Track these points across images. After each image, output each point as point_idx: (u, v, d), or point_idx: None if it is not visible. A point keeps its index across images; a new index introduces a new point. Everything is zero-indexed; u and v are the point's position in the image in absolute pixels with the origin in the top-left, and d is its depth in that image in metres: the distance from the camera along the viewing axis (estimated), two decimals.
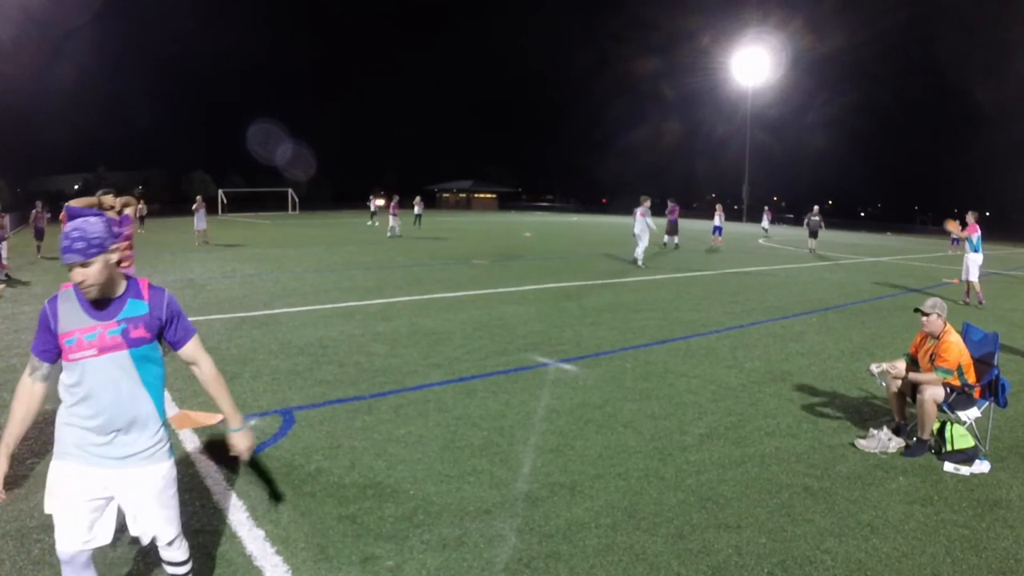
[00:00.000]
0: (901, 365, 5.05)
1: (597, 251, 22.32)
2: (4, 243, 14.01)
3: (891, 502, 3.95)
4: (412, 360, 6.93)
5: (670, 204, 24.27)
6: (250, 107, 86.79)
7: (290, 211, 56.37)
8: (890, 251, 27.04)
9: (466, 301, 10.86)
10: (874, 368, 5.06)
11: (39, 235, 17.60)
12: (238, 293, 11.30)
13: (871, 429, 4.88)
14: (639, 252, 16.75)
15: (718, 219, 26.58)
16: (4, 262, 13.71)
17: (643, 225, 16.68)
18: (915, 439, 4.78)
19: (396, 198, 27.51)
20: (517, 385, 6.11)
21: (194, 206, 22.54)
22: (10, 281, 12.69)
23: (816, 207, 25.03)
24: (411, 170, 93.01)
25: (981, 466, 4.43)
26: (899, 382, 4.97)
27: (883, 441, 4.71)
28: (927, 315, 4.87)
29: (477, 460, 4.40)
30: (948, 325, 4.89)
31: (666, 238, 23.65)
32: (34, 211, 17.68)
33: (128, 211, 6.11)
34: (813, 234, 24.57)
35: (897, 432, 4.88)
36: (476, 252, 20.28)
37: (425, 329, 8.49)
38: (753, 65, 60.50)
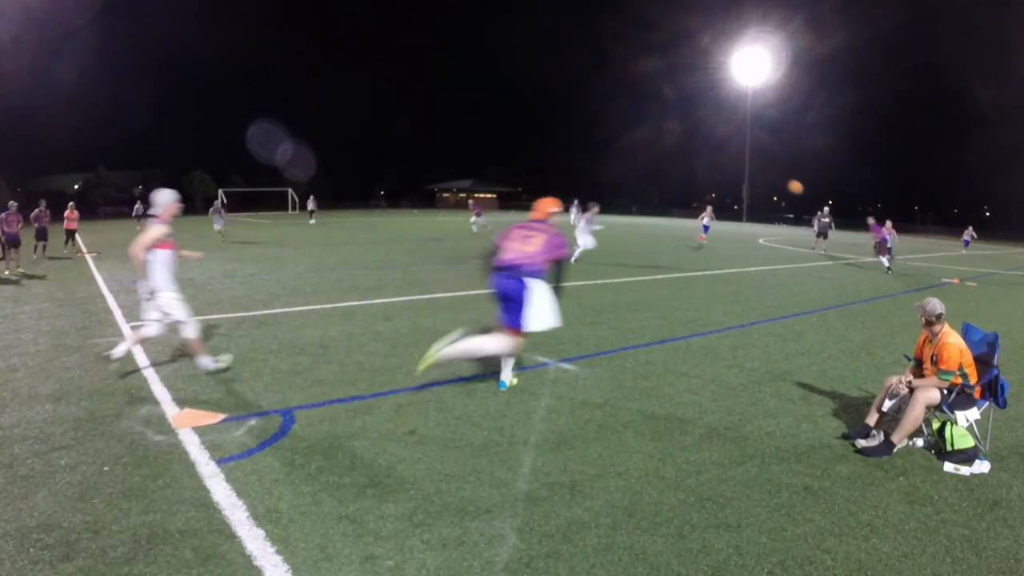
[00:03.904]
0: (911, 374, 5.02)
1: (597, 251, 22.32)
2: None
3: (891, 502, 3.95)
4: (412, 360, 6.92)
5: (873, 221, 21.88)
6: (250, 107, 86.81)
7: (290, 211, 56.40)
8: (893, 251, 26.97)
9: (466, 301, 10.86)
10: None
11: (41, 235, 17.58)
12: (238, 293, 11.30)
13: (872, 430, 4.87)
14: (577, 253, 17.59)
15: (707, 219, 27.74)
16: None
17: (583, 228, 17.85)
18: (884, 438, 4.70)
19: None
20: (517, 385, 6.11)
21: (211, 209, 25.01)
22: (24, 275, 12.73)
23: (826, 208, 25.07)
24: (411, 170, 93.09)
25: (981, 466, 4.43)
26: (903, 387, 4.92)
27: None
28: (921, 316, 4.88)
29: (477, 460, 4.40)
30: (947, 326, 4.88)
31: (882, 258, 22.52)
32: (36, 210, 17.66)
33: None
34: (822, 234, 24.52)
35: (866, 436, 4.84)
36: (476, 252, 20.28)
37: (425, 329, 8.48)
38: (753, 65, 60.53)
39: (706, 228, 27.55)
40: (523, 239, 5.81)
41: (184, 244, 7.00)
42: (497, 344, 5.73)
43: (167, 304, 6.14)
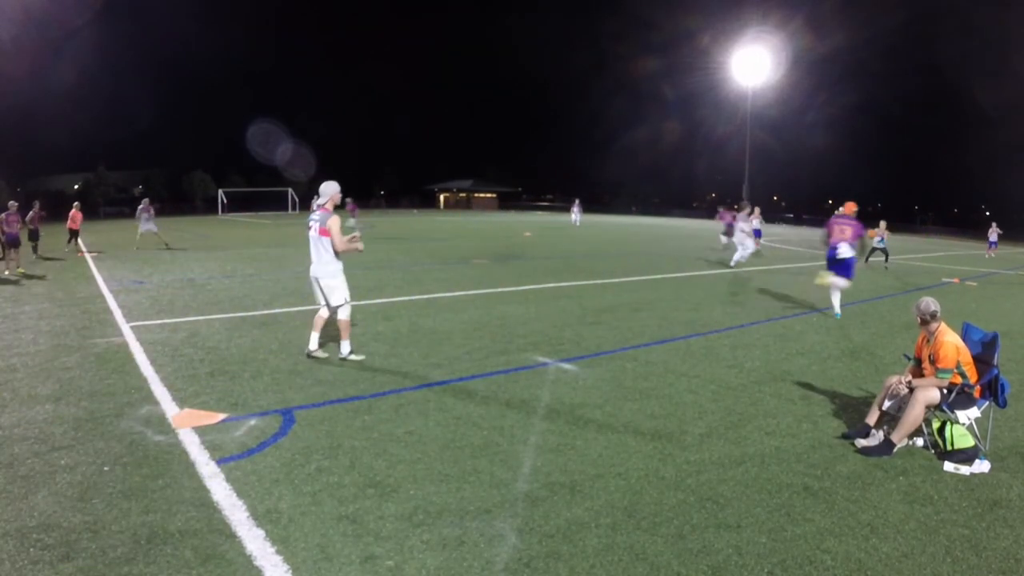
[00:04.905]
0: (910, 374, 5.02)
1: (597, 251, 22.32)
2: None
3: (891, 502, 3.95)
4: (412, 360, 6.93)
5: (722, 210, 24.39)
6: (250, 107, 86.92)
7: (290, 211, 56.39)
8: (890, 251, 26.98)
9: (466, 301, 10.86)
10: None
11: (34, 236, 17.62)
12: (238, 293, 11.30)
13: (872, 429, 4.87)
14: (740, 256, 16.99)
15: (756, 222, 24.34)
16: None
17: (740, 232, 17.06)
18: (884, 438, 4.71)
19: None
20: (517, 385, 6.11)
21: (140, 207, 21.37)
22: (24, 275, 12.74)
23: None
24: (411, 170, 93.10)
25: (981, 466, 4.42)
26: (903, 387, 4.90)
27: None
28: (916, 316, 4.89)
29: (477, 460, 4.40)
30: (943, 324, 4.88)
31: (725, 240, 23.70)
32: (31, 212, 17.68)
33: None
34: None
35: (866, 436, 4.84)
36: (476, 252, 20.28)
37: (425, 329, 8.49)
38: (753, 65, 60.42)
39: (757, 233, 23.86)
40: (840, 230, 9.86)
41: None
42: (843, 284, 9.93)
43: (340, 285, 6.63)
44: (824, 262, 10.27)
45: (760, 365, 7.05)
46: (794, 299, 11.97)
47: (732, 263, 17.00)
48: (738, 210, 17.63)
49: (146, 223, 21.17)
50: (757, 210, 25.77)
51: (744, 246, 16.98)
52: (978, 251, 29.86)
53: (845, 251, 9.72)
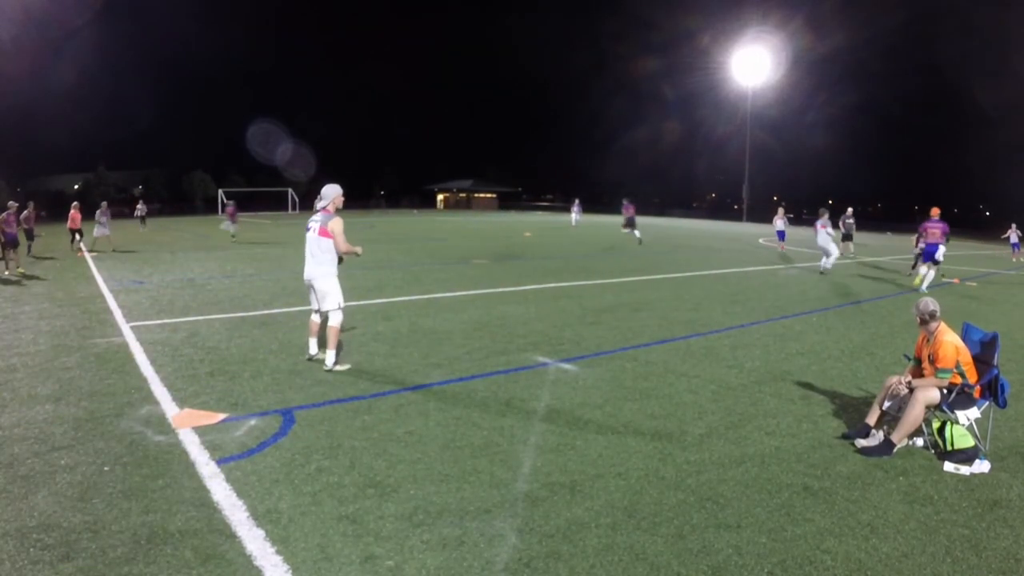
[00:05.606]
0: (910, 374, 5.02)
1: (597, 251, 22.32)
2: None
3: (891, 502, 3.95)
4: (412, 360, 6.93)
5: (626, 202, 26.69)
6: (250, 107, 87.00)
7: (290, 211, 56.40)
8: (890, 251, 27.00)
9: (466, 301, 10.86)
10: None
11: (29, 236, 17.68)
12: (238, 293, 11.30)
13: (872, 429, 4.87)
14: (828, 263, 16.55)
15: (781, 223, 23.78)
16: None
17: (825, 236, 16.55)
18: (884, 438, 4.70)
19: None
20: (517, 385, 6.11)
21: (99, 211, 20.21)
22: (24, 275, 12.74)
23: (850, 209, 24.49)
24: (411, 170, 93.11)
25: (981, 466, 4.42)
26: (903, 387, 4.90)
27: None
28: (916, 316, 4.89)
29: (477, 460, 4.40)
30: (943, 324, 4.88)
31: (625, 231, 25.83)
32: (25, 212, 17.71)
33: None
34: (847, 237, 24.09)
35: (866, 436, 4.84)
36: (476, 252, 20.28)
37: (425, 329, 8.49)
38: (753, 65, 60.43)
39: (782, 235, 23.32)
40: (932, 231, 13.33)
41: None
42: (931, 273, 13.44)
43: (333, 289, 6.50)
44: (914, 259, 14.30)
45: (760, 365, 7.05)
46: (794, 299, 11.97)
47: (829, 267, 16.59)
48: (819, 216, 17.12)
49: (101, 228, 20.08)
50: (781, 211, 24.87)
51: (828, 251, 16.43)
52: (978, 252, 29.84)
53: (942, 254, 13.27)
